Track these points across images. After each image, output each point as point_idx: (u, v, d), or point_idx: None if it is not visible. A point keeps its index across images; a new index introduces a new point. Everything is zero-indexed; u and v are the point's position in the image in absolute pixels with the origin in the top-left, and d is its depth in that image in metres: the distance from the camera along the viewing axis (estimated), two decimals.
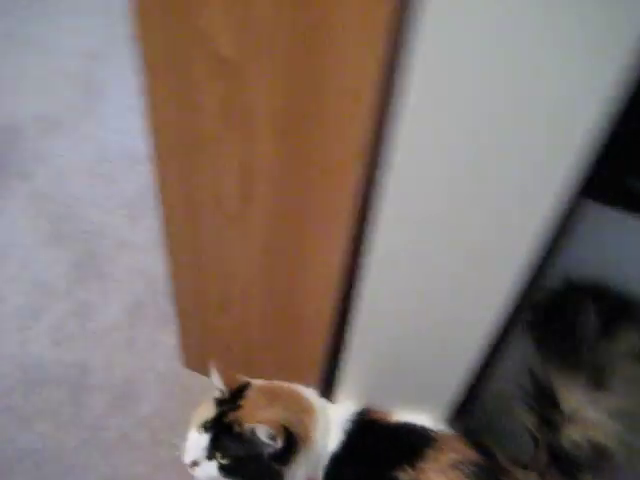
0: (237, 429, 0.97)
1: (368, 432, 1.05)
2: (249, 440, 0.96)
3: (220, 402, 1.03)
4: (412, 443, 1.00)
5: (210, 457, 0.99)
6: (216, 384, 1.04)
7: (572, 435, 0.89)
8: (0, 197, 2.03)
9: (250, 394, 1.04)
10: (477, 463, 0.95)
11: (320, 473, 1.04)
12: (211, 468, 0.99)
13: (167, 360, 1.66)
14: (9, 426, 1.52)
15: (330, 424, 1.05)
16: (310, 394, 1.09)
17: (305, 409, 1.04)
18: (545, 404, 0.92)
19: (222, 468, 0.98)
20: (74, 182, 2.09)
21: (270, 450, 0.96)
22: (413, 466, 0.95)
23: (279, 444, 0.95)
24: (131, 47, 0.94)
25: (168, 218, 1.19)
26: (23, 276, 1.83)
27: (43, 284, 1.81)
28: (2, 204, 2.00)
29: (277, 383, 1.08)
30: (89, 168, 2.12)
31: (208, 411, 1.02)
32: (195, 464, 1.00)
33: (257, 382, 1.07)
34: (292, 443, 0.98)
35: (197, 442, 1.00)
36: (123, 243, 1.92)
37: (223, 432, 0.99)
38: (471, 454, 0.97)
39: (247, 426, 0.96)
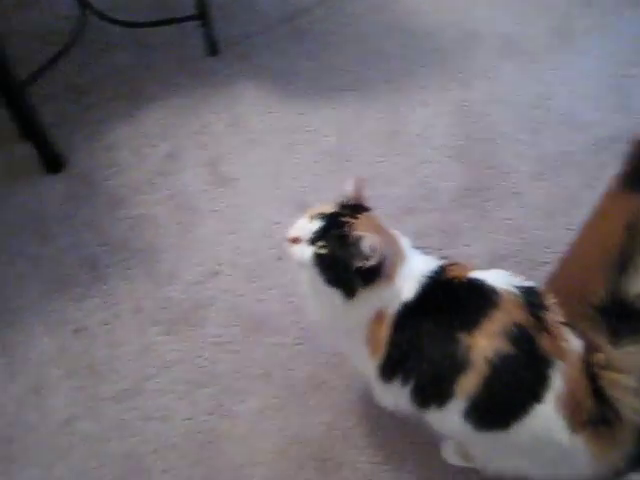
0: (347, 230, 1.06)
1: (440, 290, 1.10)
2: (352, 244, 1.03)
3: (342, 205, 1.12)
4: (474, 306, 1.05)
5: (312, 242, 1.07)
6: (346, 189, 1.14)
7: None
8: (434, 94, 2.07)
9: (369, 216, 1.13)
10: (521, 325, 1.02)
11: (391, 317, 1.10)
12: (307, 251, 1.08)
13: None
14: None
15: (412, 273, 1.11)
16: (404, 242, 1.15)
17: (398, 252, 1.11)
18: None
19: (316, 256, 1.07)
20: (502, 110, 2.04)
21: (360, 263, 1.03)
22: (470, 331, 1.02)
23: (372, 261, 1.03)
24: None
25: None
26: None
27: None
28: (435, 99, 2.05)
29: (383, 223, 1.15)
30: (524, 108, 2.05)
31: (327, 208, 1.12)
32: (295, 241, 1.09)
33: (372, 214, 1.15)
34: (379, 270, 1.05)
35: (307, 226, 1.09)
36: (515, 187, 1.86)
37: (334, 227, 1.07)
38: (521, 316, 1.03)
39: (357, 233, 1.04)
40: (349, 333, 1.19)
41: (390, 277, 1.08)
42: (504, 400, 1.04)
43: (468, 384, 1.03)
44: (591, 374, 1.01)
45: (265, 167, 1.90)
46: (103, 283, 1.70)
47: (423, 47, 2.19)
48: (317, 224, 1.09)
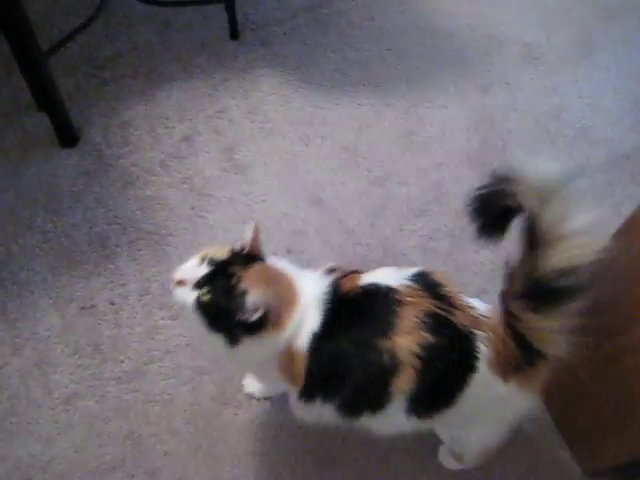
0: (234, 281, 1.05)
1: (342, 307, 1.10)
2: (236, 297, 1.04)
3: (235, 254, 1.11)
4: (380, 311, 1.06)
5: (196, 287, 1.07)
6: (244, 237, 1.12)
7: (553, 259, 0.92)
8: (452, 97, 2.07)
9: (259, 266, 1.11)
10: (431, 312, 1.05)
11: (302, 351, 1.10)
12: (190, 296, 1.07)
13: None
14: None
15: (309, 303, 1.11)
16: (297, 277, 1.14)
17: (290, 298, 1.10)
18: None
19: (198, 302, 1.06)
20: (518, 118, 2.05)
21: (241, 317, 1.03)
22: (387, 336, 1.04)
23: (255, 316, 1.03)
24: None
25: None
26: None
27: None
28: (454, 102, 2.05)
29: (282, 269, 1.14)
30: (541, 118, 2.06)
31: (219, 252, 1.11)
32: (181, 283, 1.08)
33: (270, 261, 1.15)
34: (264, 322, 1.05)
35: (195, 269, 1.08)
36: None
37: (221, 276, 1.07)
38: (427, 303, 1.06)
39: (243, 285, 1.04)
40: (255, 367, 1.27)
41: (279, 325, 1.08)
42: (442, 385, 1.09)
43: (403, 383, 1.06)
44: (511, 326, 1.04)
45: (280, 158, 1.90)
46: (111, 262, 1.70)
47: (444, 48, 2.19)
48: (205, 269, 1.08)
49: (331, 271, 1.16)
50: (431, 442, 1.44)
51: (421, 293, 1.07)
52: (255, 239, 1.13)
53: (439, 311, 1.05)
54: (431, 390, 1.08)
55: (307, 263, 1.23)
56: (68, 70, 2.02)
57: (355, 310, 1.10)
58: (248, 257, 1.11)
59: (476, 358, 1.06)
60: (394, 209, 1.83)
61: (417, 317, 1.05)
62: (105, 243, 1.73)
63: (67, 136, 1.87)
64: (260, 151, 1.91)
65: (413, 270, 1.13)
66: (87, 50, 2.10)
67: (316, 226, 1.77)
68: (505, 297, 1.04)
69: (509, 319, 1.03)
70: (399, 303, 1.06)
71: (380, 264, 1.22)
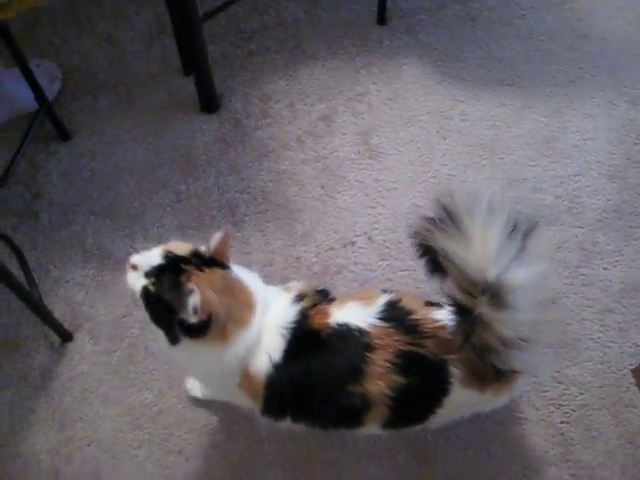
0: (183, 279, 1.02)
1: (311, 343, 1.08)
2: (180, 295, 1.00)
3: (195, 253, 1.08)
4: (351, 356, 1.06)
5: (147, 275, 1.05)
6: (211, 243, 1.09)
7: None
8: (599, 107, 1.97)
9: (217, 273, 1.07)
10: (403, 351, 1.05)
11: (261, 377, 1.09)
12: (138, 282, 1.06)
13: None
14: None
15: (271, 328, 1.10)
16: (260, 297, 1.11)
17: (240, 316, 1.08)
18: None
19: (144, 291, 1.05)
20: None
21: (183, 316, 1.01)
22: (358, 381, 1.05)
23: (191, 320, 1.00)
24: None
25: None
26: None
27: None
28: (600, 112, 1.96)
29: (244, 283, 1.11)
30: None
31: (182, 249, 1.08)
32: (134, 268, 1.07)
33: (231, 269, 1.11)
34: (205, 328, 1.03)
35: (151, 257, 1.07)
36: None
37: (172, 272, 1.04)
38: (398, 342, 1.06)
39: (191, 286, 1.01)
40: (202, 375, 1.28)
41: (223, 337, 1.06)
42: (416, 411, 1.13)
43: (375, 416, 1.10)
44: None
45: (415, 147, 1.87)
46: (238, 230, 1.72)
47: (595, 54, 2.08)
48: (159, 260, 1.06)
49: (301, 298, 1.15)
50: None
51: (391, 331, 1.07)
52: (221, 246, 1.10)
53: (409, 348, 1.06)
54: (405, 415, 1.13)
55: None
56: (216, 38, 2.05)
57: (324, 350, 1.09)
58: (209, 261, 1.08)
59: (449, 383, 1.08)
60: (523, 214, 1.76)
61: (388, 361, 1.06)
62: (234, 210, 1.75)
63: (209, 102, 1.90)
64: (396, 139, 1.88)
65: (381, 302, 1.12)
66: (235, 21, 2.12)
67: None
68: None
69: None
70: (369, 348, 1.06)
71: None
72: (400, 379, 1.06)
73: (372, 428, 1.16)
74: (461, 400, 1.12)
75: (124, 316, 1.61)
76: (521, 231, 0.99)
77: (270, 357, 1.09)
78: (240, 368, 1.11)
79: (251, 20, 2.13)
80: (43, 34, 2.14)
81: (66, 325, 1.61)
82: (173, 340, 1.06)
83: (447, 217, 0.99)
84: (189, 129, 1.89)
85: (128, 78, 2.03)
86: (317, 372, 1.09)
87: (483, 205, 0.99)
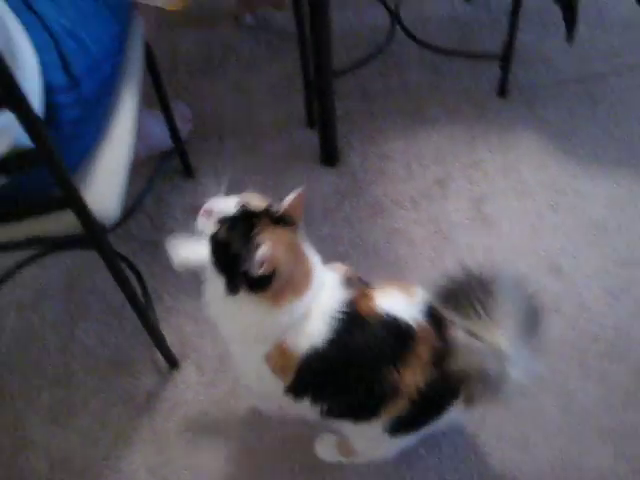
0: (254, 231, 1.02)
1: (356, 327, 1.08)
2: (248, 246, 1.00)
3: (269, 209, 1.08)
4: (395, 344, 1.08)
5: (219, 223, 1.06)
6: (285, 201, 1.09)
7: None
8: None
9: (287, 232, 1.07)
10: (438, 351, 1.08)
11: (297, 356, 1.08)
12: (207, 227, 1.07)
13: None
14: None
15: (318, 311, 1.09)
16: (318, 273, 1.11)
17: (300, 280, 1.07)
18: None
19: (214, 238, 1.06)
20: None
21: (246, 267, 1.00)
22: (396, 367, 1.06)
23: (255, 273, 0.99)
24: None
25: None
26: None
27: None
28: None
29: (308, 254, 1.11)
30: None
31: (256, 201, 1.09)
32: (208, 213, 1.07)
33: (294, 232, 1.09)
34: (266, 283, 1.02)
35: (226, 206, 1.07)
36: None
37: (244, 221, 1.04)
38: (436, 341, 1.08)
39: (260, 237, 1.01)
40: (242, 340, 1.19)
41: (278, 299, 1.05)
42: (425, 413, 1.15)
43: (396, 408, 1.10)
44: None
45: (527, 219, 1.89)
46: None
47: None
48: (234, 210, 1.07)
49: (349, 281, 1.16)
50: None
51: (431, 330, 1.10)
52: (294, 205, 1.09)
53: (443, 349, 1.08)
54: (413, 419, 1.14)
55: None
56: (341, 96, 2.15)
57: (369, 333, 1.09)
58: (280, 218, 1.08)
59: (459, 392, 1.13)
60: (636, 295, 1.75)
61: (427, 355, 1.08)
62: (345, 263, 1.81)
63: (329, 156, 1.99)
64: (509, 208, 1.91)
65: (425, 302, 1.14)
66: (362, 82, 2.23)
67: (551, 293, 1.74)
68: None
69: None
70: (413, 340, 1.09)
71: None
72: (433, 373, 1.08)
73: (382, 424, 1.16)
74: (452, 414, 1.16)
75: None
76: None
77: (314, 336, 1.09)
78: (278, 338, 1.10)
79: (376, 82, 2.22)
80: (180, 78, 2.30)
81: (175, 353, 1.68)
82: (232, 289, 1.05)
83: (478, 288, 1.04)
84: (308, 179, 1.98)
85: (254, 125, 2.15)
86: (357, 353, 1.09)
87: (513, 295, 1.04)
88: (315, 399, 1.15)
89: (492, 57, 2.13)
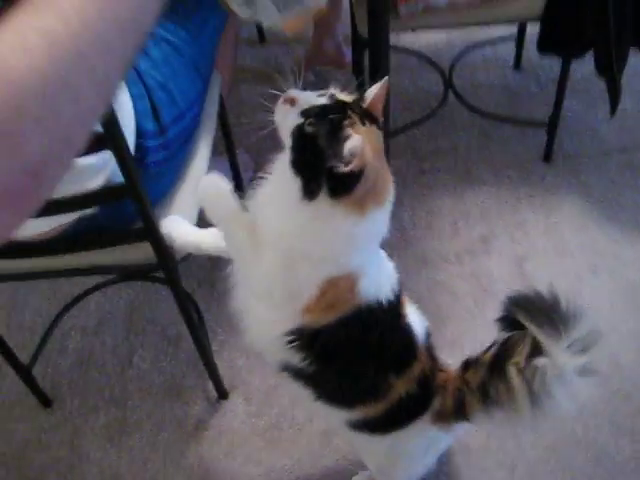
0: (345, 125, 0.89)
1: (390, 321, 1.07)
2: (338, 140, 0.87)
3: (358, 103, 0.96)
4: (406, 353, 1.12)
5: (304, 114, 0.92)
6: (369, 93, 0.97)
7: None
8: None
9: (375, 130, 0.95)
10: (425, 372, 1.14)
11: (361, 299, 1.01)
12: (291, 120, 0.92)
13: None
14: None
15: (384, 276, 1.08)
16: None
17: (382, 185, 0.96)
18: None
19: (297, 131, 0.91)
20: None
21: (334, 163, 0.86)
22: (397, 375, 1.09)
23: (342, 169, 0.86)
24: None
25: None
26: None
27: None
28: None
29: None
30: None
31: (344, 95, 0.96)
32: (291, 102, 0.93)
33: (379, 132, 0.96)
34: (350, 186, 0.88)
35: (314, 97, 0.94)
36: None
37: (334, 112, 0.91)
38: (427, 364, 1.15)
39: (350, 132, 0.87)
40: (286, 256, 0.98)
41: (362, 208, 0.91)
42: (392, 421, 1.17)
43: (370, 410, 1.13)
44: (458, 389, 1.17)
45: (566, 279, 1.98)
46: None
47: None
48: (323, 101, 0.93)
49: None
50: None
51: (426, 355, 1.15)
52: (378, 98, 0.96)
53: (429, 372, 1.15)
54: (378, 423, 1.17)
55: None
56: (394, 154, 2.29)
57: (400, 332, 1.12)
58: (367, 114, 0.94)
59: (428, 409, 1.18)
60: None
61: (419, 373, 1.13)
62: None
63: None
64: (549, 268, 2.00)
65: (425, 326, 1.19)
66: (413, 142, 2.37)
67: None
68: (467, 365, 1.17)
69: (460, 383, 1.16)
70: (416, 357, 1.13)
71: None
72: (415, 388, 1.13)
73: (347, 416, 1.19)
74: (420, 429, 1.20)
75: (277, 386, 1.79)
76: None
77: (381, 291, 1.02)
78: (344, 266, 0.97)
79: (427, 143, 2.36)
80: (244, 130, 2.47)
81: (225, 384, 1.80)
82: (311, 194, 0.89)
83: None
84: None
85: None
86: (386, 342, 1.08)
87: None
88: (317, 359, 1.04)
89: (539, 124, 2.25)
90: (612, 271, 1.99)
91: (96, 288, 2.04)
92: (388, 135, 2.04)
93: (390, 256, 2.04)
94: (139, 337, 1.94)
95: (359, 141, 0.85)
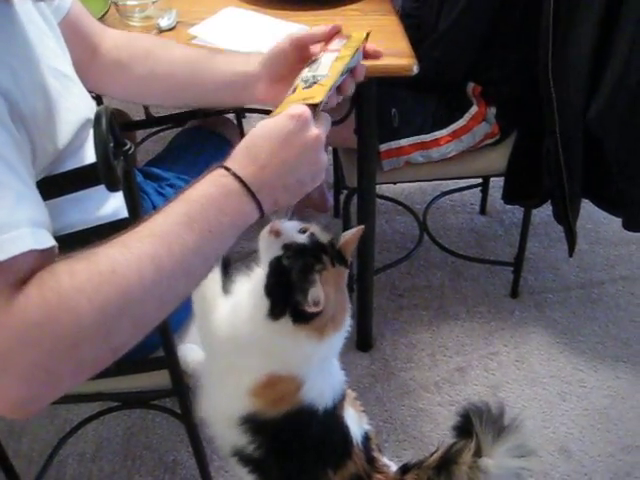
0: (316, 270, 1.02)
1: (333, 421, 1.17)
2: (307, 282, 1.01)
3: (332, 244, 1.08)
4: (341, 450, 1.19)
5: (285, 248, 1.04)
6: (344, 237, 1.10)
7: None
8: None
9: (342, 270, 1.09)
10: (360, 475, 1.20)
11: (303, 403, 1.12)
12: (273, 251, 1.05)
13: None
14: None
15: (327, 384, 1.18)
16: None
17: (338, 318, 1.10)
18: None
19: (276, 261, 1.04)
20: None
21: (299, 299, 1.00)
22: (334, 471, 1.15)
23: (305, 308, 1.01)
24: None
25: None
26: None
27: None
28: None
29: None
30: None
31: (322, 234, 1.09)
32: (276, 234, 1.05)
33: (345, 272, 1.11)
34: (310, 318, 1.03)
35: (296, 232, 1.07)
36: None
37: (310, 255, 1.04)
38: (361, 466, 1.21)
39: (317, 279, 1.01)
40: (246, 354, 1.12)
41: (321, 333, 1.05)
42: None
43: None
44: None
45: (537, 405, 2.15)
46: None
47: None
48: (305, 240, 1.06)
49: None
50: None
51: (361, 457, 1.22)
52: (351, 242, 1.10)
53: (363, 474, 1.21)
54: None
55: None
56: (376, 291, 2.52)
57: (337, 430, 1.19)
58: (338, 256, 1.08)
59: None
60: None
61: (351, 474, 1.19)
62: (377, 437, 2.07)
63: (364, 342, 2.32)
64: (521, 395, 2.18)
65: (365, 428, 1.29)
66: (392, 279, 2.61)
67: (560, 472, 1.96)
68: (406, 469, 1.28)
69: None
70: (350, 457, 1.19)
71: None
72: None
73: None
74: None
75: None
76: None
77: (322, 397, 1.14)
78: (296, 368, 1.11)
79: (404, 280, 2.60)
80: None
81: None
82: (276, 315, 1.03)
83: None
84: (344, 362, 2.26)
85: None
86: (324, 440, 1.17)
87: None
88: (266, 446, 1.15)
89: (505, 264, 2.51)
90: (579, 397, 2.18)
91: (98, 415, 2.07)
92: (372, 274, 2.28)
93: (374, 386, 2.24)
94: (136, 463, 2.03)
95: (321, 293, 1.00)
